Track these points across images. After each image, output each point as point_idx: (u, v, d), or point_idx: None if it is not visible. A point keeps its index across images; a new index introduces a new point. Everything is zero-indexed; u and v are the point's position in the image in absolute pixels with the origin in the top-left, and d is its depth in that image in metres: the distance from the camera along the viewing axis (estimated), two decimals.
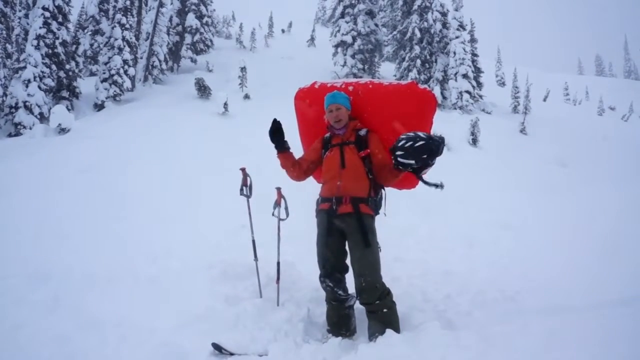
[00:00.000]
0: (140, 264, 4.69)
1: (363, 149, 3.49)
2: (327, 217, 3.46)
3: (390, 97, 3.63)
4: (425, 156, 2.99)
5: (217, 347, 3.18)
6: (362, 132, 3.57)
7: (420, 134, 3.05)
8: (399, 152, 3.04)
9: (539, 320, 3.49)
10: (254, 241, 4.13)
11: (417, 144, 2.99)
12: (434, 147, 3.00)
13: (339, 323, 3.55)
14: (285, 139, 3.64)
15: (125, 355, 3.13)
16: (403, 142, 3.04)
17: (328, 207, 3.47)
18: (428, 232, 6.72)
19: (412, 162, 3.02)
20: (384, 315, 3.29)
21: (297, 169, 3.69)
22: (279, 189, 4.02)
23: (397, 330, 3.27)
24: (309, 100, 3.96)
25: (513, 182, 11.38)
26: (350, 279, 3.46)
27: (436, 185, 3.17)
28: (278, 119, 3.62)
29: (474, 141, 15.44)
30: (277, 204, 3.98)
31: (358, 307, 3.53)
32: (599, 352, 2.75)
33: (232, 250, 4.85)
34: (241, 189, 4.10)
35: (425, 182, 3.23)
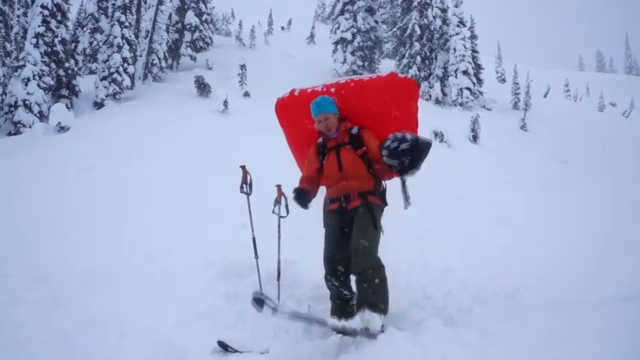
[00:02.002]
0: (141, 262, 4.69)
1: (359, 147, 3.50)
2: (337, 217, 3.48)
3: (372, 89, 3.65)
4: (407, 158, 3.04)
5: (223, 345, 3.17)
6: (354, 130, 3.59)
7: (408, 135, 3.09)
8: (384, 152, 3.12)
9: (539, 317, 3.49)
10: (254, 239, 4.13)
11: (401, 147, 3.06)
12: (417, 150, 3.05)
13: None
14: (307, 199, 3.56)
15: (125, 353, 3.13)
16: (389, 142, 3.11)
17: (338, 207, 3.49)
18: (428, 229, 6.70)
19: (395, 163, 3.09)
20: (375, 285, 3.16)
21: (315, 191, 3.68)
22: (279, 187, 4.01)
23: (385, 303, 3.19)
24: (293, 109, 3.91)
25: (513, 178, 11.36)
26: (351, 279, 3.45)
27: (406, 198, 3.30)
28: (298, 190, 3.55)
29: (475, 138, 15.41)
30: (277, 201, 3.97)
31: None
32: (600, 349, 2.75)
33: (233, 248, 4.84)
34: (241, 187, 4.11)
35: (404, 189, 3.32)
